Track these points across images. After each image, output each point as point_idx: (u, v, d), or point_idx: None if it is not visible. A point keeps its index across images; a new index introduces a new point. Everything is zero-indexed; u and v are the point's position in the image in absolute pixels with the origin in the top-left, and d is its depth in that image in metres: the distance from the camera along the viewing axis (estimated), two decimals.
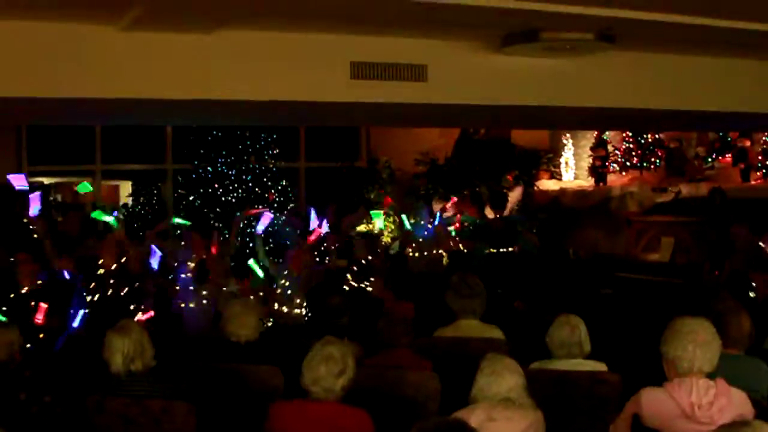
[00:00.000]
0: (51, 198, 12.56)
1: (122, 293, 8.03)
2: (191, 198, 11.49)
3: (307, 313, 8.67)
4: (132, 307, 7.88)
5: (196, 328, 8.03)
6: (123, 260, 8.38)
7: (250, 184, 11.33)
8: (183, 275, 8.42)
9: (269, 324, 8.18)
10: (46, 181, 13.17)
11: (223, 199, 11.26)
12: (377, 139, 14.65)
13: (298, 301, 8.67)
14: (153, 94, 7.24)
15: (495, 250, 11.52)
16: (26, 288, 7.46)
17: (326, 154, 14.25)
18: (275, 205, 11.37)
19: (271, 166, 11.61)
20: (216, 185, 11.31)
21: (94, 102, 7.32)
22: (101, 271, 8.12)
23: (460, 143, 14.75)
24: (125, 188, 14.97)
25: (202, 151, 11.51)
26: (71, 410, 5.42)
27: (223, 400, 5.58)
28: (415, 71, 7.55)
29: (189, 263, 8.52)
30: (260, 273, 8.50)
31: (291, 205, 11.72)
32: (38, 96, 6.92)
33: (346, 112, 8.67)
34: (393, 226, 12.54)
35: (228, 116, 9.69)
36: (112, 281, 8.08)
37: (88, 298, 7.67)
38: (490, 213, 13.01)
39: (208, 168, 11.42)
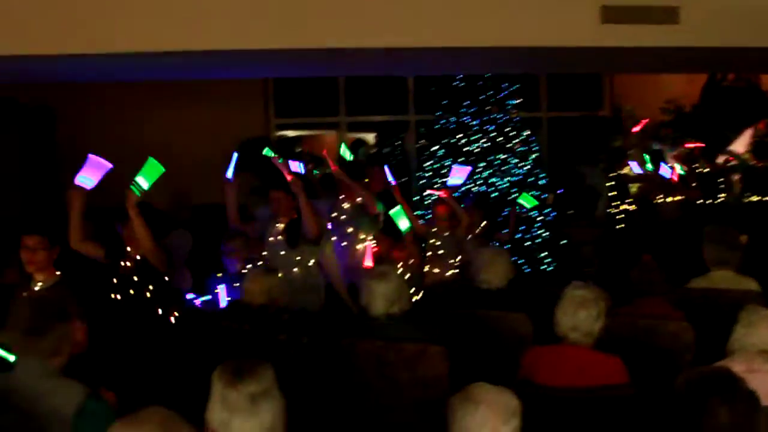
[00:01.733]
0: (298, 150, 12.92)
1: None
2: (434, 148, 11.57)
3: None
4: None
5: None
6: None
7: (493, 134, 11.29)
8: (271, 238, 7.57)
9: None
10: (291, 133, 13.58)
11: (465, 149, 11.27)
12: (621, 87, 14.26)
13: (451, 261, 8.11)
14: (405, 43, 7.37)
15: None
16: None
17: (568, 103, 14.04)
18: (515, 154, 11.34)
19: (514, 115, 11.52)
20: (459, 135, 11.34)
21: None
22: None
23: (707, 90, 14.16)
24: (368, 140, 15.27)
25: (444, 102, 11.56)
26: (327, 351, 5.61)
27: (475, 346, 5.63)
28: (666, 13, 7.29)
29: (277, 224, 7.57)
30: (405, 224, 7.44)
31: (535, 154, 11.60)
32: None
33: (595, 58, 8.48)
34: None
35: (473, 65, 9.69)
36: None
37: None
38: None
39: (451, 118, 11.46)
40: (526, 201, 9.47)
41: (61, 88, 11.00)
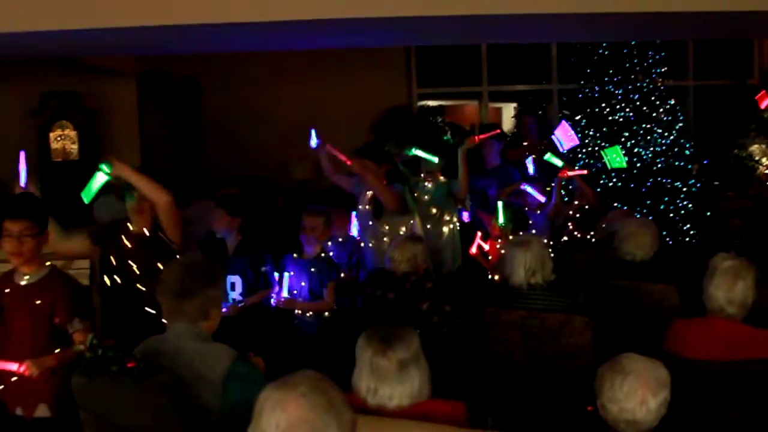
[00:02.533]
0: (440, 120, 12.93)
1: None
2: (577, 118, 11.41)
3: None
4: None
5: None
6: None
7: (638, 103, 11.07)
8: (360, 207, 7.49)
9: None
10: (432, 103, 13.59)
11: (609, 118, 11.08)
12: None
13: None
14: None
15: None
16: None
17: (717, 71, 13.64)
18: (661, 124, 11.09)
19: (659, 84, 11.26)
20: (602, 104, 11.16)
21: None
22: None
23: None
24: (507, 111, 15.16)
25: (588, 71, 11.39)
26: (470, 320, 5.63)
27: (619, 317, 5.57)
28: None
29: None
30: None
31: (681, 124, 11.32)
32: None
33: (748, 23, 8.20)
34: None
35: (618, 31, 9.50)
36: None
37: None
38: None
39: (595, 87, 11.27)
40: (613, 156, 8.46)
41: (208, 61, 11.26)
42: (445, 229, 7.67)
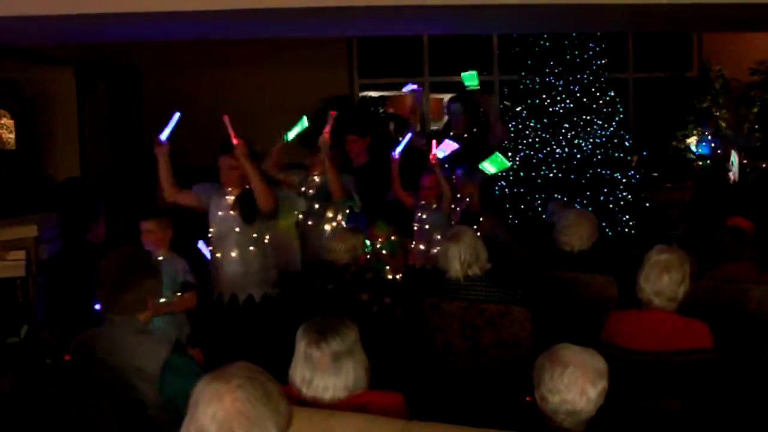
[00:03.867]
0: (381, 110, 12.94)
1: None
2: (518, 109, 11.47)
3: None
4: None
5: None
6: None
7: (578, 95, 11.15)
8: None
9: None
10: (374, 94, 13.58)
11: (550, 109, 11.15)
12: (709, 47, 13.97)
13: (438, 237, 7.07)
14: None
15: None
16: None
17: (656, 64, 13.80)
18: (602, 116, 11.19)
19: (600, 76, 11.35)
20: (543, 96, 11.22)
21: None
22: None
23: None
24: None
25: (529, 62, 11.45)
26: (409, 311, 5.64)
27: (558, 307, 5.62)
28: None
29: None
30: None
31: (620, 116, 11.44)
32: None
33: (690, 14, 8.29)
34: None
35: (559, 23, 9.58)
36: None
37: None
38: None
39: (536, 79, 11.34)
40: (493, 164, 7.82)
41: (147, 47, 11.15)
42: (327, 227, 7.12)
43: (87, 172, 11.12)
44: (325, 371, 3.38)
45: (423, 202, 7.42)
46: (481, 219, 7.58)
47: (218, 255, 6.26)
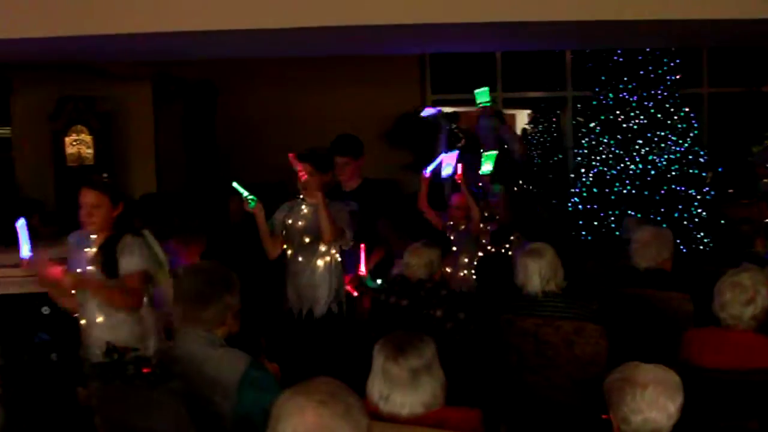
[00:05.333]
0: (454, 126, 12.94)
1: None
2: (591, 125, 11.43)
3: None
4: None
5: None
6: None
7: (652, 111, 11.08)
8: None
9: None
10: (447, 109, 13.61)
11: (623, 125, 11.10)
12: None
13: (465, 260, 7.09)
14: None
15: None
16: None
17: (731, 79, 13.62)
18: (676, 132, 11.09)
19: (674, 92, 11.26)
20: (617, 112, 11.17)
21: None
22: None
23: None
24: (521, 117, 15.18)
25: (602, 78, 11.40)
26: (484, 327, 5.64)
27: (633, 325, 5.58)
28: None
29: None
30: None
31: (695, 131, 11.32)
32: None
33: (764, 30, 8.20)
34: None
35: (633, 38, 9.52)
36: None
37: None
38: None
39: (609, 94, 11.29)
40: (489, 161, 7.63)
41: (223, 64, 11.31)
42: (320, 263, 6.09)
43: (163, 188, 11.31)
44: (403, 387, 3.40)
45: (451, 223, 7.32)
46: (512, 237, 7.44)
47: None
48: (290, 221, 6.16)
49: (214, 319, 3.79)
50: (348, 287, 6.39)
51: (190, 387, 3.56)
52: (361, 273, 6.54)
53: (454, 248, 7.14)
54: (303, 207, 6.17)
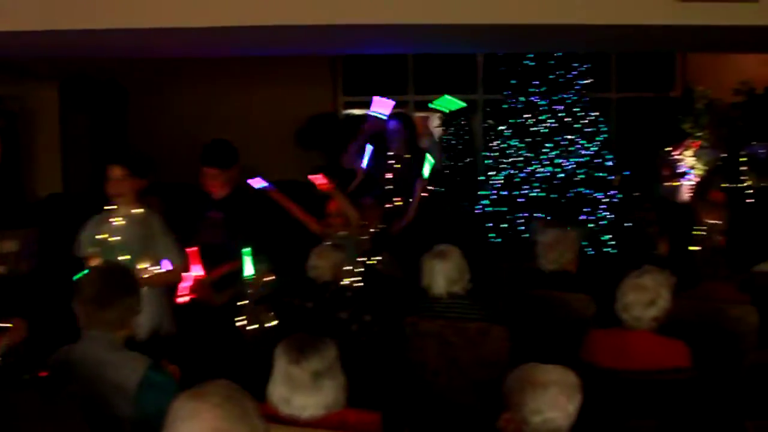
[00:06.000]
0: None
1: None
2: (501, 128, 11.52)
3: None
4: None
5: None
6: None
7: (561, 114, 11.21)
8: None
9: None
10: (357, 111, 13.61)
11: (533, 129, 11.21)
12: (693, 68, 14.05)
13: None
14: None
15: None
16: None
17: (639, 84, 13.87)
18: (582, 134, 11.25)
19: (583, 96, 11.41)
20: (527, 115, 11.28)
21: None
22: None
23: None
24: (432, 120, 15.24)
25: (513, 81, 11.51)
26: (389, 329, 5.64)
27: (537, 326, 5.64)
28: None
29: None
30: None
31: (603, 136, 11.49)
32: None
33: (671, 36, 8.36)
34: None
35: (545, 42, 9.62)
36: None
37: None
38: None
39: (519, 98, 11.39)
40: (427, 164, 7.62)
41: (132, 64, 11.16)
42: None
43: (70, 189, 11.11)
44: (305, 389, 3.38)
45: (330, 229, 7.16)
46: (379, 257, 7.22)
47: None
48: (102, 237, 5.47)
49: (116, 320, 3.75)
50: (187, 296, 5.75)
51: (89, 390, 3.52)
52: (200, 277, 5.82)
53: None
54: (113, 220, 5.53)
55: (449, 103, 8.81)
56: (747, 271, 6.28)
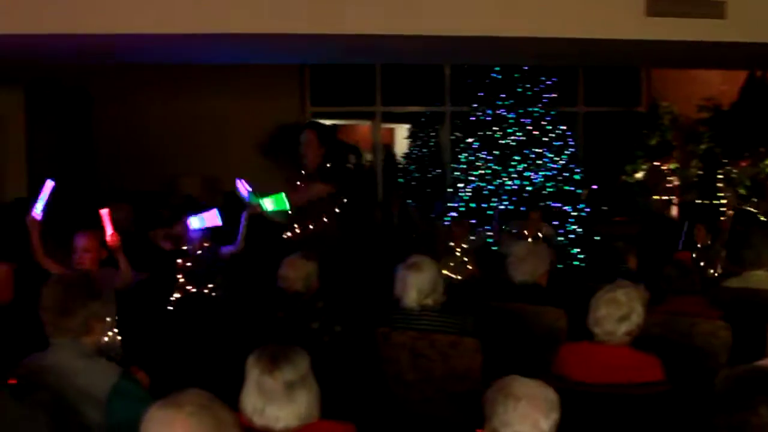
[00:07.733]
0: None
1: None
2: (469, 140, 11.55)
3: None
4: None
5: None
6: None
7: (529, 128, 11.25)
8: None
9: None
10: (326, 122, 13.59)
11: (501, 141, 11.24)
12: (658, 83, 14.18)
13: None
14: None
15: None
16: None
17: (605, 99, 13.96)
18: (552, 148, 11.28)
19: (550, 109, 11.46)
20: (495, 128, 11.30)
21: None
22: None
23: (746, 89, 13.98)
24: (401, 132, 15.27)
25: (481, 94, 11.53)
26: (360, 340, 5.61)
27: (509, 339, 5.62)
28: (713, 7, 7.24)
29: None
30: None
31: (571, 149, 11.54)
32: None
33: (638, 51, 8.44)
34: None
35: (514, 55, 9.66)
36: None
37: None
38: None
39: (487, 111, 11.42)
40: (276, 203, 7.34)
41: (100, 71, 11.07)
42: None
43: (34, 194, 10.98)
44: (278, 400, 3.34)
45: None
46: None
47: None
48: None
49: (80, 327, 3.70)
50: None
51: (58, 398, 3.47)
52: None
53: None
54: None
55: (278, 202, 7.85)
56: (717, 286, 6.31)
